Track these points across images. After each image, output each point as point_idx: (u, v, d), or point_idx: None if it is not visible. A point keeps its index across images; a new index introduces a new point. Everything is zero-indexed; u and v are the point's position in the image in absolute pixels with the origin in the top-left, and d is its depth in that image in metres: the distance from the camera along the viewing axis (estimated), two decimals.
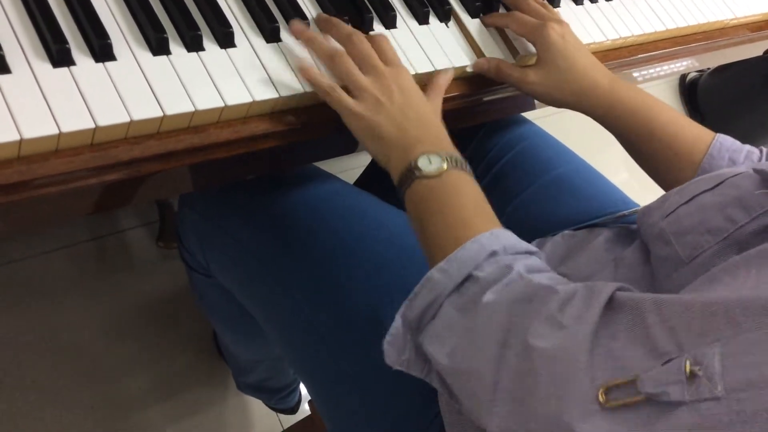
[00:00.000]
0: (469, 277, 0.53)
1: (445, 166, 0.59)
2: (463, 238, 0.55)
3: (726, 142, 0.72)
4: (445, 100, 0.74)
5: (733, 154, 0.71)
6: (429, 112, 0.64)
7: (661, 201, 0.62)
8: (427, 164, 0.59)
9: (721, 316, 0.40)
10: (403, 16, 0.75)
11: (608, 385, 0.42)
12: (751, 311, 0.39)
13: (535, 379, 0.45)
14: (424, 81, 0.73)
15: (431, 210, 0.59)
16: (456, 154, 0.61)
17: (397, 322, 0.55)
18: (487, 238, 0.55)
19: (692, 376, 0.39)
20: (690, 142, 0.72)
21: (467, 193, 0.60)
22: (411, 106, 0.63)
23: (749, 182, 0.54)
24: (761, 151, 0.71)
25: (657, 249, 0.59)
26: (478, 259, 0.53)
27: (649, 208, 0.63)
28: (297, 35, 0.67)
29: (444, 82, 0.69)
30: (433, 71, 0.72)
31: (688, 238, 0.55)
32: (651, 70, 1.00)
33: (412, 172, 0.60)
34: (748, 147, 0.72)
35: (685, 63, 1.04)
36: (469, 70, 0.75)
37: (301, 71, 0.64)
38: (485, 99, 0.79)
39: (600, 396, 0.42)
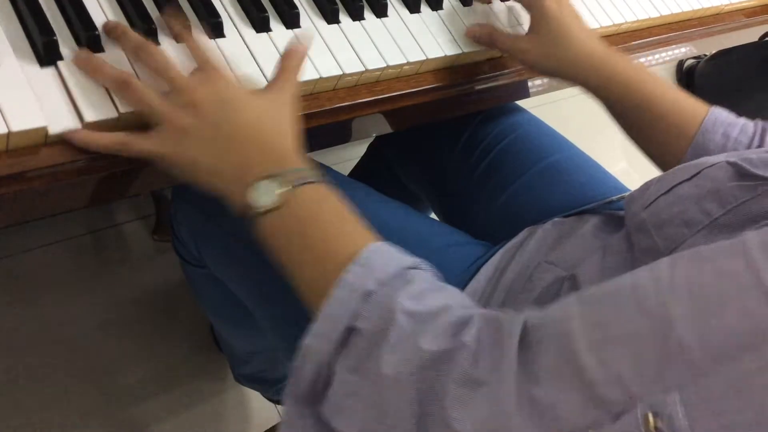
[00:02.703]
0: (351, 331, 0.46)
1: (279, 192, 0.50)
2: (330, 273, 0.47)
3: (721, 115, 0.70)
4: (436, 90, 0.74)
5: (727, 128, 0.70)
6: (254, 117, 0.53)
7: (642, 190, 0.62)
8: (259, 197, 0.50)
9: (677, 358, 0.36)
10: (394, 4, 0.74)
11: None
12: (711, 352, 0.35)
13: None
14: (416, 70, 0.73)
15: (288, 248, 0.51)
16: (295, 165, 0.52)
17: (288, 407, 0.49)
18: (355, 274, 0.47)
19: (657, 430, 0.36)
20: (684, 115, 0.70)
21: (323, 213, 0.51)
22: (228, 119, 0.52)
23: (724, 174, 0.53)
24: (756, 125, 0.71)
25: (639, 239, 0.59)
26: (350, 306, 0.46)
27: (632, 197, 0.63)
28: (79, 65, 0.54)
29: (295, 62, 0.57)
30: (425, 60, 0.71)
31: (667, 230, 0.55)
32: (648, 57, 1.00)
33: (248, 210, 0.51)
34: (743, 121, 0.71)
35: (681, 49, 1.04)
36: (466, 50, 0.75)
37: (79, 142, 0.53)
38: (477, 88, 0.79)
39: None
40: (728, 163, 0.54)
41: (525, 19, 0.79)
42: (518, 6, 0.80)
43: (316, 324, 0.47)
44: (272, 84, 0.57)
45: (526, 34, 0.74)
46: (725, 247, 0.39)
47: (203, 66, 0.55)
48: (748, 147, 0.69)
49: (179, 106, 0.52)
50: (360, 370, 0.45)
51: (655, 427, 0.35)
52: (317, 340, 0.46)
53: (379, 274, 0.47)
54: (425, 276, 0.50)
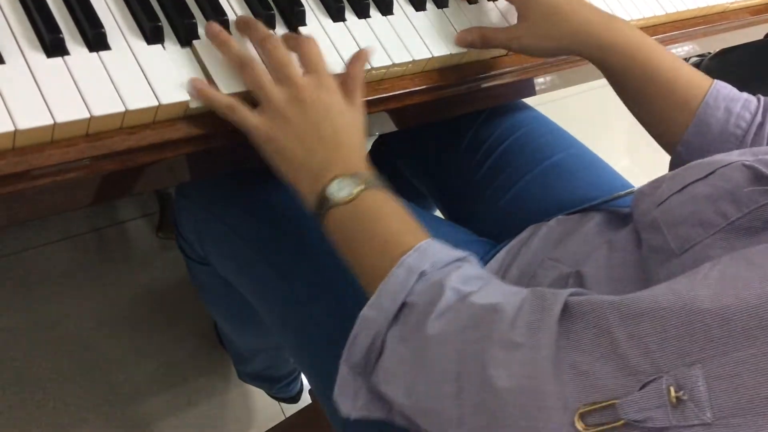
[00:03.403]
0: (404, 306, 0.52)
1: (356, 190, 0.56)
2: (391, 260, 0.53)
3: (723, 90, 0.69)
4: (441, 88, 0.74)
5: (729, 103, 0.68)
6: (346, 124, 0.60)
7: (653, 186, 0.61)
8: (338, 190, 0.56)
9: (700, 334, 0.39)
10: (399, 2, 0.74)
11: (584, 410, 0.41)
12: (734, 331, 0.38)
13: (504, 413, 0.44)
14: (421, 68, 0.72)
15: (353, 238, 0.56)
16: (368, 171, 0.58)
17: (343, 371, 0.54)
18: (414, 258, 0.53)
19: (677, 400, 0.38)
20: (687, 88, 0.69)
21: (387, 211, 0.57)
22: (326, 122, 0.58)
23: (740, 176, 0.53)
24: (759, 100, 0.69)
25: (649, 238, 0.58)
26: (408, 284, 0.52)
27: (641, 193, 0.62)
28: (211, 38, 0.61)
29: (359, 71, 0.63)
30: (430, 58, 0.71)
31: (680, 230, 0.54)
32: None
33: (324, 201, 0.57)
34: (745, 95, 0.70)
35: (685, 48, 1.04)
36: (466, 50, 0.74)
37: (196, 90, 0.58)
38: (482, 86, 0.78)
39: (577, 422, 0.41)
40: (744, 165, 0.53)
41: None
42: None
43: (375, 297, 0.52)
44: (355, 98, 0.62)
45: (516, 23, 0.72)
46: (761, 247, 0.43)
47: (318, 71, 0.60)
48: (751, 122, 0.68)
49: (290, 98, 0.58)
50: (409, 338, 0.50)
51: (677, 398, 0.38)
52: (375, 311, 0.52)
53: (433, 259, 0.53)
54: (474, 266, 0.55)
